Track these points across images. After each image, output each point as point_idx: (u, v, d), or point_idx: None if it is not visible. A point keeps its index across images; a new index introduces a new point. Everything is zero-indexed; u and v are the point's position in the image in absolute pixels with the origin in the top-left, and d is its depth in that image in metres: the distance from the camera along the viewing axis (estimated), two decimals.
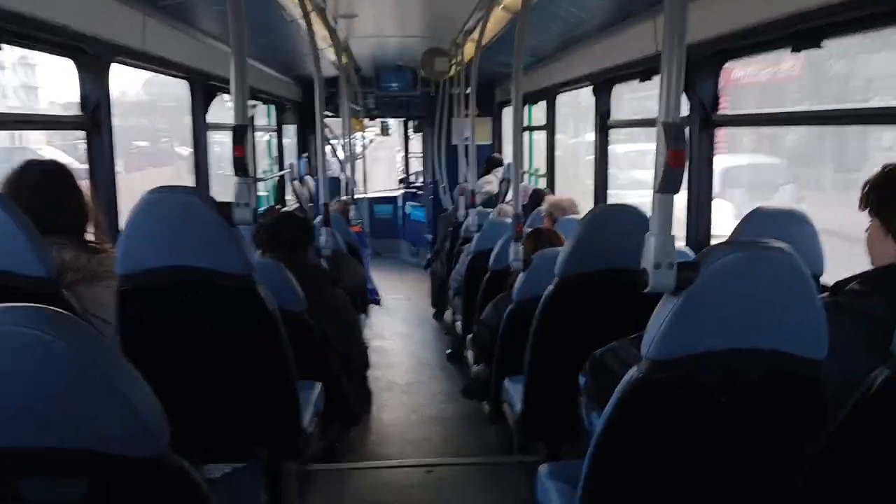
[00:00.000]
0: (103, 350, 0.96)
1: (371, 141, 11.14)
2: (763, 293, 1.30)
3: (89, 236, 2.04)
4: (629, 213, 2.16)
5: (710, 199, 3.21)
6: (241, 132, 1.85)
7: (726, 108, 3.15)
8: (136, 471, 0.98)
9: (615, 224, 2.17)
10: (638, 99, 5.25)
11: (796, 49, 2.50)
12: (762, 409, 1.38)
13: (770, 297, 1.31)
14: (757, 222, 2.30)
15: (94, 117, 2.93)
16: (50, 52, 2.76)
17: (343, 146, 6.34)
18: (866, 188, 1.60)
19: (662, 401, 1.37)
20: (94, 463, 0.96)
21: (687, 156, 1.39)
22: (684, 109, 3.14)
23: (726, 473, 1.46)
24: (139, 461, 0.97)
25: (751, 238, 1.39)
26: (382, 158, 12.30)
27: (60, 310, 0.96)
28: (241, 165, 1.84)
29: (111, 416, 0.94)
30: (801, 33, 2.42)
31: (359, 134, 8.51)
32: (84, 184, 2.10)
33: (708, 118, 3.11)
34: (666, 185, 1.36)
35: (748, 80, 9.66)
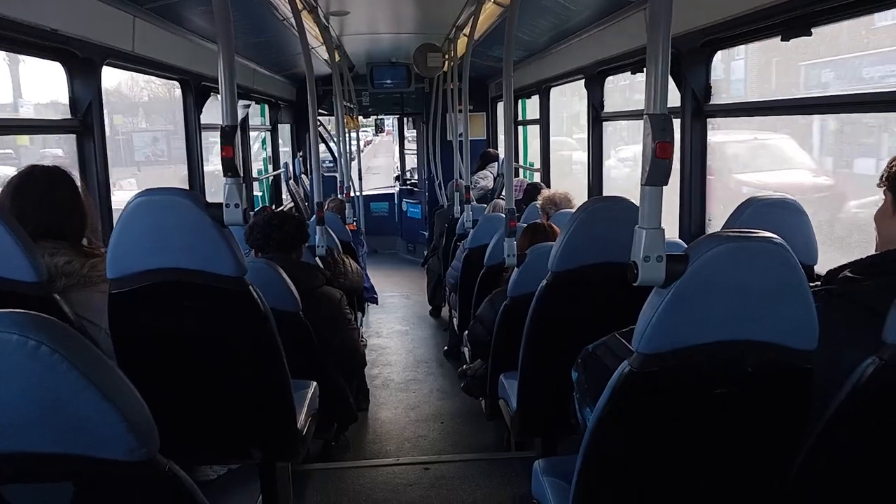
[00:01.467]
0: (90, 354, 0.95)
1: (368, 142, 11.14)
2: (753, 285, 1.30)
3: (83, 241, 2.04)
4: (621, 206, 2.16)
5: (703, 189, 3.20)
6: (231, 133, 1.84)
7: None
8: (123, 475, 0.97)
9: (607, 217, 2.16)
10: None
11: (786, 38, 2.50)
12: (754, 401, 1.38)
13: (760, 289, 1.30)
14: (750, 212, 2.29)
15: (84, 121, 2.92)
16: (40, 56, 2.76)
17: (338, 144, 6.33)
18: (891, 167, 1.58)
19: (653, 394, 1.37)
20: (81, 467, 0.95)
21: (678, 146, 1.38)
22: (676, 100, 3.13)
23: (719, 465, 1.46)
24: (127, 465, 0.97)
25: (743, 229, 1.38)
26: (380, 167, 12.14)
27: (46, 315, 0.95)
28: (231, 166, 1.83)
29: (98, 420, 0.94)
30: (790, 21, 2.42)
31: (353, 134, 8.49)
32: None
33: (700, 108, 3.10)
34: (654, 177, 1.35)
35: None
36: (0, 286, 1.72)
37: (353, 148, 8.70)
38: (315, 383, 2.60)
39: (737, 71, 4.24)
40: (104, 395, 0.93)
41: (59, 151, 3.75)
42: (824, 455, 1.38)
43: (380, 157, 16.58)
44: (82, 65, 2.84)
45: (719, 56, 3.10)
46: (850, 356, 1.35)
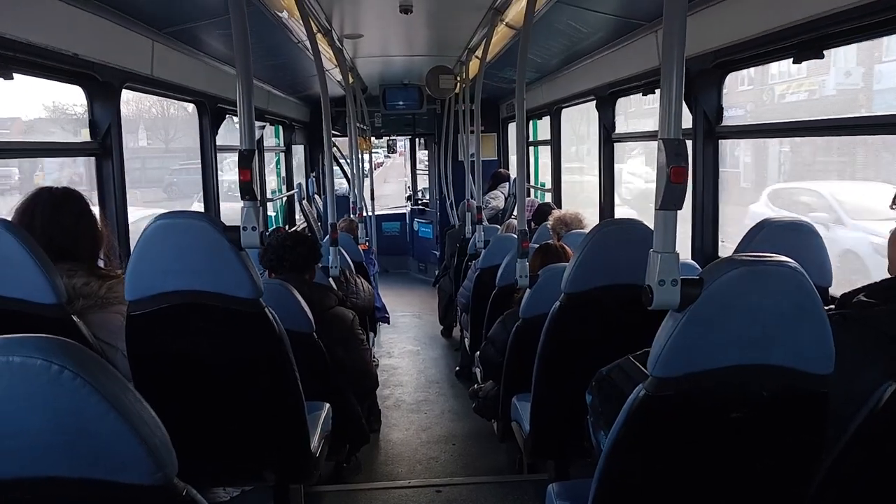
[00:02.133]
0: (111, 378, 0.97)
1: (379, 164, 11.19)
2: (768, 309, 1.30)
3: (100, 262, 2.06)
4: (634, 228, 2.16)
5: (716, 211, 3.20)
6: (248, 157, 1.86)
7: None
8: (143, 499, 0.98)
9: (620, 239, 2.16)
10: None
11: (798, 60, 2.51)
12: (769, 426, 1.37)
13: (776, 313, 1.30)
14: (763, 234, 2.29)
15: (104, 143, 2.96)
16: (61, 80, 2.81)
17: (351, 165, 6.38)
18: None
19: (669, 418, 1.36)
20: (101, 492, 0.96)
21: (690, 169, 1.39)
22: (687, 122, 3.14)
23: (735, 490, 1.45)
24: (146, 489, 0.97)
25: (757, 251, 1.38)
26: (390, 196, 12.10)
27: (69, 339, 0.97)
28: (248, 189, 1.85)
29: (118, 444, 0.95)
30: (803, 44, 2.43)
31: (366, 156, 8.55)
32: (96, 210, 2.12)
33: (711, 130, 3.11)
34: (668, 202, 1.35)
35: None
36: (20, 308, 1.74)
37: (366, 168, 8.75)
38: (328, 405, 2.60)
39: None
40: (125, 420, 0.94)
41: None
42: (841, 479, 1.37)
43: (391, 183, 16.29)
44: (102, 88, 2.90)
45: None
46: (864, 381, 1.34)
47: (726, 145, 3.25)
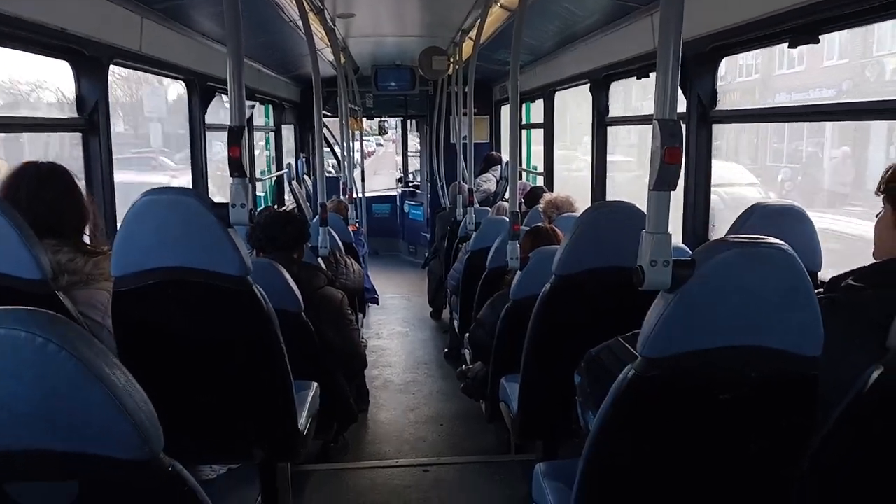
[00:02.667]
0: (96, 352, 0.95)
1: (371, 153, 11.09)
2: (759, 290, 1.30)
3: (86, 238, 2.04)
4: (626, 211, 2.15)
5: (708, 195, 3.21)
6: (238, 133, 1.84)
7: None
8: (128, 473, 0.97)
9: (612, 221, 2.16)
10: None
11: (793, 45, 2.50)
12: (758, 407, 1.38)
13: (766, 295, 1.30)
14: (755, 218, 2.30)
15: (91, 119, 2.92)
16: (47, 55, 2.76)
17: (341, 146, 6.35)
18: (887, 173, 1.58)
19: (657, 399, 1.36)
20: (86, 465, 0.95)
21: (683, 151, 1.38)
22: (682, 105, 3.14)
23: (723, 471, 1.46)
24: (132, 463, 0.97)
25: (748, 234, 1.38)
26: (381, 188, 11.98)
27: (54, 312, 0.95)
28: (237, 166, 1.83)
29: (103, 418, 0.94)
30: (798, 28, 2.42)
31: (357, 136, 8.50)
32: (82, 185, 2.09)
33: (706, 114, 3.10)
34: (661, 182, 1.35)
35: None
36: (5, 283, 1.72)
37: (356, 153, 8.70)
38: (316, 384, 2.60)
39: None
40: (110, 393, 0.93)
41: None
42: (828, 462, 1.38)
43: (382, 175, 15.92)
44: (89, 64, 2.85)
45: None
46: (850, 364, 1.35)
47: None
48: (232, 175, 1.83)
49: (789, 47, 2.52)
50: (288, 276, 2.54)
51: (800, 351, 1.32)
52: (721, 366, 1.32)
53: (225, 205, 1.81)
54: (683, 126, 3.09)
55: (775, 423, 1.39)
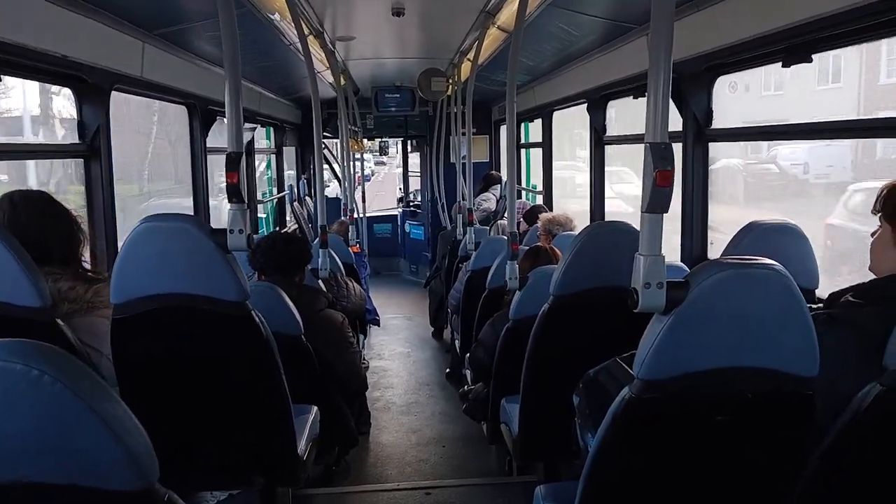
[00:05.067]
0: (92, 383, 0.96)
1: (372, 173, 11.11)
2: (754, 311, 1.30)
3: (86, 265, 2.04)
4: (623, 231, 2.17)
5: (705, 214, 3.21)
6: (236, 160, 1.86)
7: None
8: None
9: (609, 242, 2.17)
10: None
11: (787, 63, 2.52)
12: (755, 428, 1.37)
13: (761, 315, 1.30)
14: (751, 237, 2.30)
15: (92, 145, 2.95)
16: (50, 82, 2.79)
17: (342, 167, 6.37)
18: (884, 192, 1.59)
19: (654, 421, 1.36)
20: (81, 498, 0.95)
21: (677, 174, 1.39)
22: (678, 125, 3.15)
23: (720, 492, 1.45)
24: (127, 495, 0.96)
25: (744, 254, 1.39)
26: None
27: (49, 344, 0.96)
28: (235, 192, 1.84)
29: (98, 450, 0.94)
30: (792, 48, 2.44)
31: (358, 165, 8.54)
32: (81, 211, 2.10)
33: (701, 133, 3.12)
34: (654, 205, 1.36)
35: None
36: (4, 311, 1.73)
37: (358, 173, 8.73)
38: (316, 408, 2.59)
39: None
40: (105, 425, 0.94)
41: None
42: (825, 480, 1.37)
43: (385, 194, 15.66)
44: (91, 90, 2.88)
45: None
46: (848, 381, 1.35)
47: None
48: (230, 201, 1.84)
49: (783, 66, 2.54)
50: (288, 299, 2.55)
51: (795, 371, 1.32)
52: (717, 387, 1.32)
53: (223, 231, 1.82)
54: (679, 145, 3.14)
55: (772, 442, 1.39)
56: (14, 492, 0.93)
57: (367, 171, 9.61)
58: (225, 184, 1.86)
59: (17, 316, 1.72)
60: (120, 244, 2.23)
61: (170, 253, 1.81)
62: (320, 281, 3.53)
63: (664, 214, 1.39)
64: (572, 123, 6.52)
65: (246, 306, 1.87)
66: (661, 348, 1.30)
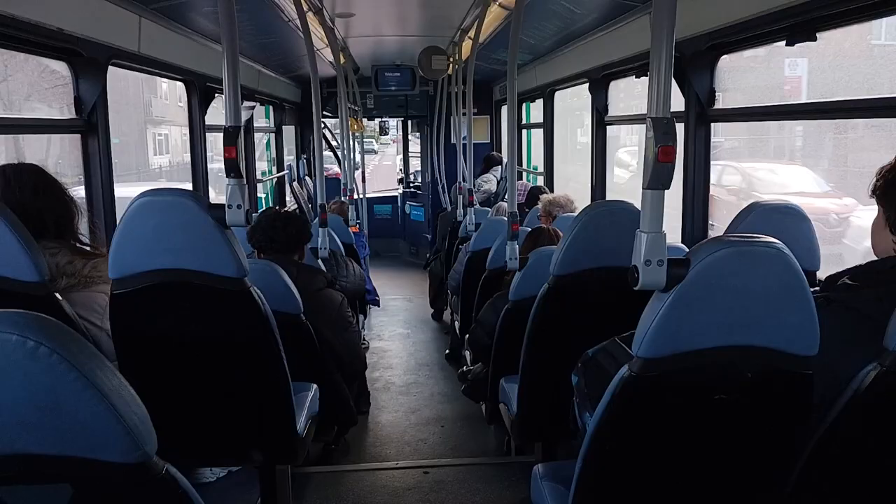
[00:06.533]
0: (89, 355, 0.95)
1: (372, 151, 11.01)
2: (755, 289, 1.29)
3: (83, 239, 2.03)
4: (624, 211, 2.15)
5: (706, 194, 3.19)
6: (233, 134, 1.84)
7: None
8: (121, 477, 0.97)
9: (610, 221, 2.15)
10: None
11: (791, 42, 2.49)
12: (754, 407, 1.37)
13: (762, 294, 1.29)
14: (753, 217, 2.29)
15: (89, 120, 2.92)
16: (45, 56, 2.76)
17: (342, 146, 6.34)
18: (880, 174, 1.57)
19: (653, 399, 1.36)
20: (79, 469, 0.95)
21: (681, 150, 1.38)
22: (680, 104, 3.13)
23: (719, 471, 1.46)
24: (124, 466, 0.96)
25: (745, 233, 1.38)
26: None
27: (47, 315, 0.95)
28: (234, 167, 1.83)
29: (95, 421, 0.93)
30: (796, 26, 2.41)
31: (358, 148, 8.49)
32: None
33: (703, 113, 3.09)
34: (655, 181, 1.34)
35: None
36: (3, 285, 1.72)
37: (357, 156, 8.69)
38: (315, 386, 2.59)
39: None
40: (102, 397, 0.93)
41: None
42: (825, 461, 1.37)
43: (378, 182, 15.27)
44: (88, 64, 2.85)
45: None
46: (846, 363, 1.35)
47: None
48: (228, 176, 1.82)
49: (787, 45, 2.51)
50: (287, 277, 2.54)
51: (795, 350, 1.32)
52: (716, 366, 1.32)
53: (221, 205, 1.81)
54: (682, 125, 3.11)
55: (770, 422, 1.39)
56: (10, 463, 0.93)
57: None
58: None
59: (15, 290, 1.71)
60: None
61: (167, 227, 1.79)
62: (320, 260, 3.52)
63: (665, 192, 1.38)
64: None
65: (244, 283, 1.86)
66: (660, 326, 1.29)
